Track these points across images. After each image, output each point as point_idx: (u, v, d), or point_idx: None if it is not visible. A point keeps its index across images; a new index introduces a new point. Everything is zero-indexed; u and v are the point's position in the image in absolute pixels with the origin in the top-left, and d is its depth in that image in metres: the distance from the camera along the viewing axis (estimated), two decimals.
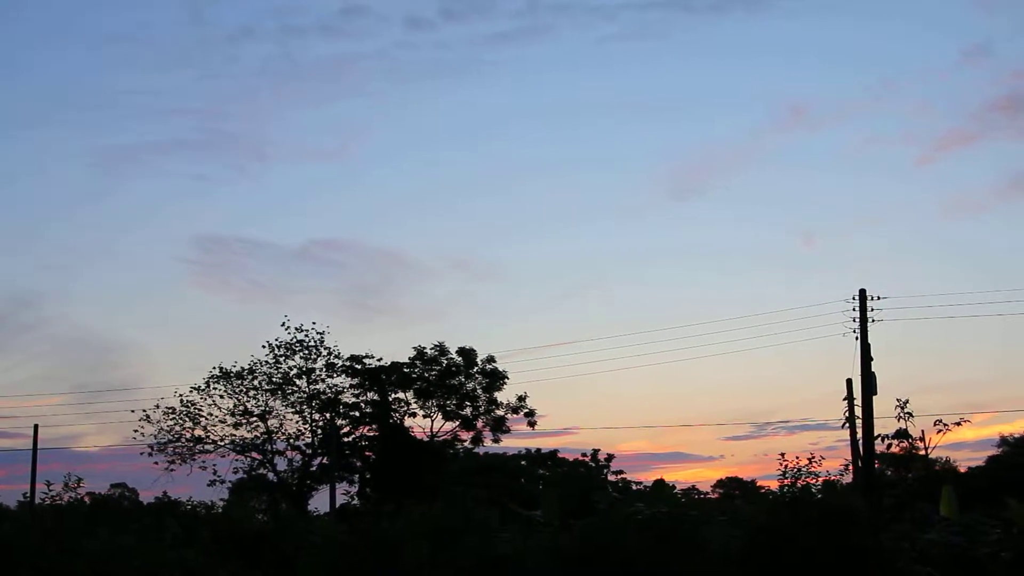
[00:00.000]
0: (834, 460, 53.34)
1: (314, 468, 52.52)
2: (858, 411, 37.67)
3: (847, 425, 37.40)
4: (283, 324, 51.43)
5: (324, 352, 52.04)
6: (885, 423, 36.94)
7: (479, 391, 53.77)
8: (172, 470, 50.23)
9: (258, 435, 51.56)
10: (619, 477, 71.92)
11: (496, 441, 54.55)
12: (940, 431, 28.71)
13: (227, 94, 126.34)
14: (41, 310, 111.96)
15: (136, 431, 50.47)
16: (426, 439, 53.66)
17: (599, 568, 19.92)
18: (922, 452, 30.30)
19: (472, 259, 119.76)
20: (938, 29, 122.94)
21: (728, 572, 19.75)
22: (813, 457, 21.93)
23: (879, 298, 39.64)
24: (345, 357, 52.86)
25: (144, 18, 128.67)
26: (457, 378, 53.62)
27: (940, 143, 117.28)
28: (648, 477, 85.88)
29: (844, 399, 37.98)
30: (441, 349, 53.80)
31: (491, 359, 53.87)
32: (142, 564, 21.84)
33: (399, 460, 50.76)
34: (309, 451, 52.30)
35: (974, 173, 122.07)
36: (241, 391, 51.30)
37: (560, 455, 69.42)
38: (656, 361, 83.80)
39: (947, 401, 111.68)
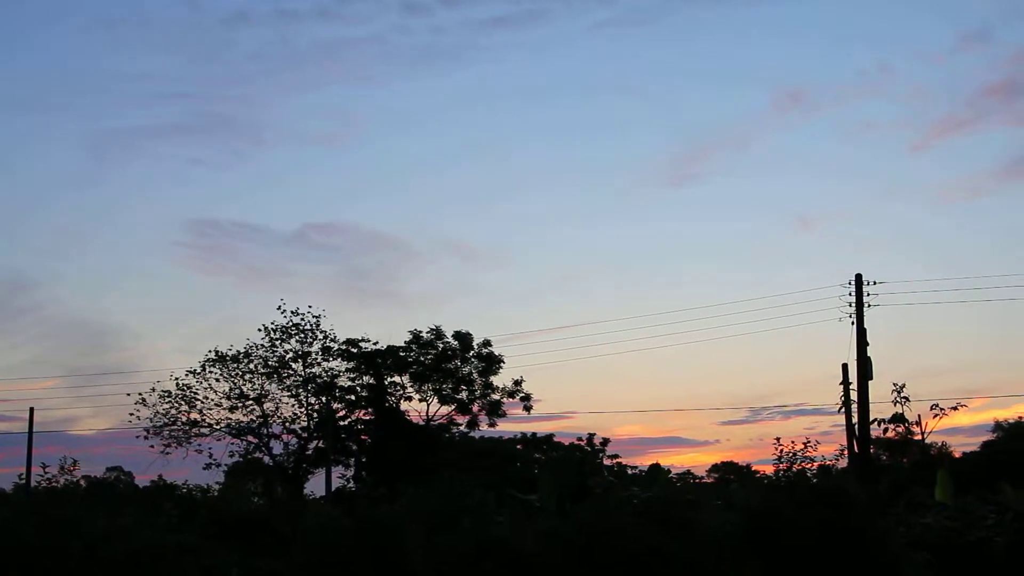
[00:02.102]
0: (830, 445, 53.19)
1: (310, 452, 52.54)
2: (854, 396, 37.71)
3: (843, 410, 37.50)
4: (279, 308, 51.46)
5: (320, 336, 52.04)
6: (881, 408, 36.98)
7: (475, 375, 53.77)
8: (168, 453, 50.29)
9: (254, 419, 51.57)
10: (615, 461, 72.02)
11: (492, 425, 54.60)
12: (936, 416, 28.84)
13: (222, 78, 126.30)
14: (36, 293, 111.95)
15: (132, 414, 50.49)
16: (422, 423, 53.69)
17: (595, 552, 19.95)
18: (918, 437, 30.43)
19: (468, 243, 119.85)
20: (935, 14, 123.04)
21: (723, 556, 19.78)
22: (809, 442, 21.97)
23: (875, 283, 39.67)
24: (341, 341, 52.87)
25: (139, 2, 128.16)
26: (453, 362, 53.60)
27: (937, 128, 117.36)
28: (644, 461, 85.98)
29: (840, 384, 38.08)
30: (437, 333, 53.77)
31: (487, 343, 53.89)
32: (138, 547, 21.85)
33: (395, 444, 50.78)
34: (305, 435, 52.31)
35: (970, 158, 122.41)
36: (237, 375, 51.26)
37: (556, 439, 69.45)
38: (652, 346, 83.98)
39: (942, 386, 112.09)
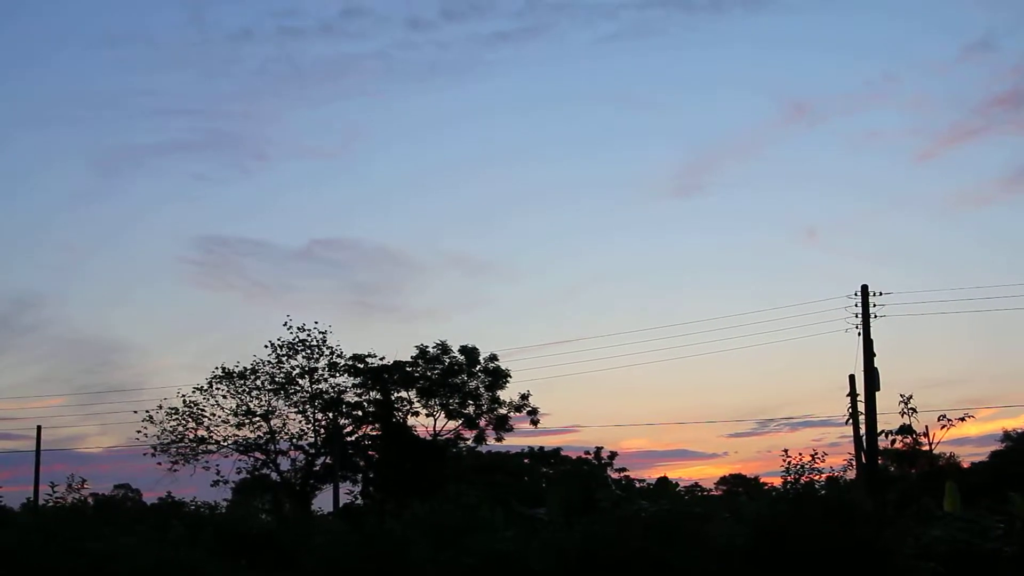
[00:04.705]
0: (838, 456, 53.09)
1: (317, 468, 52.50)
2: (861, 407, 37.64)
3: (850, 421, 37.41)
4: (285, 324, 51.47)
5: (326, 351, 52.04)
6: (888, 419, 36.96)
7: (482, 389, 53.71)
8: (175, 471, 50.22)
9: (261, 435, 51.54)
10: (622, 475, 72.01)
11: (499, 440, 54.50)
12: (944, 427, 28.86)
13: (228, 95, 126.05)
14: (43, 311, 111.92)
15: (139, 432, 50.46)
16: (429, 438, 53.65)
17: (603, 566, 19.92)
18: (926, 448, 30.40)
19: (474, 257, 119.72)
20: (940, 23, 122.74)
21: (732, 568, 19.76)
22: (816, 453, 21.94)
23: (881, 293, 39.51)
24: (347, 356, 52.85)
25: (145, 19, 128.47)
26: (460, 377, 53.54)
27: (943, 137, 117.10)
28: (651, 475, 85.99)
29: (847, 395, 37.99)
30: (443, 348, 53.75)
31: (493, 357, 53.83)
32: (146, 564, 21.86)
33: (402, 459, 50.74)
34: (312, 451, 52.29)
35: (977, 167, 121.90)
36: (244, 391, 51.28)
37: (563, 453, 69.50)
38: (659, 358, 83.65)
39: (950, 396, 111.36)
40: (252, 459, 51.63)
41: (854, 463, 34.57)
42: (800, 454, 22.02)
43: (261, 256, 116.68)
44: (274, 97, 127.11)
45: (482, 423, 53.70)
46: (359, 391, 53.33)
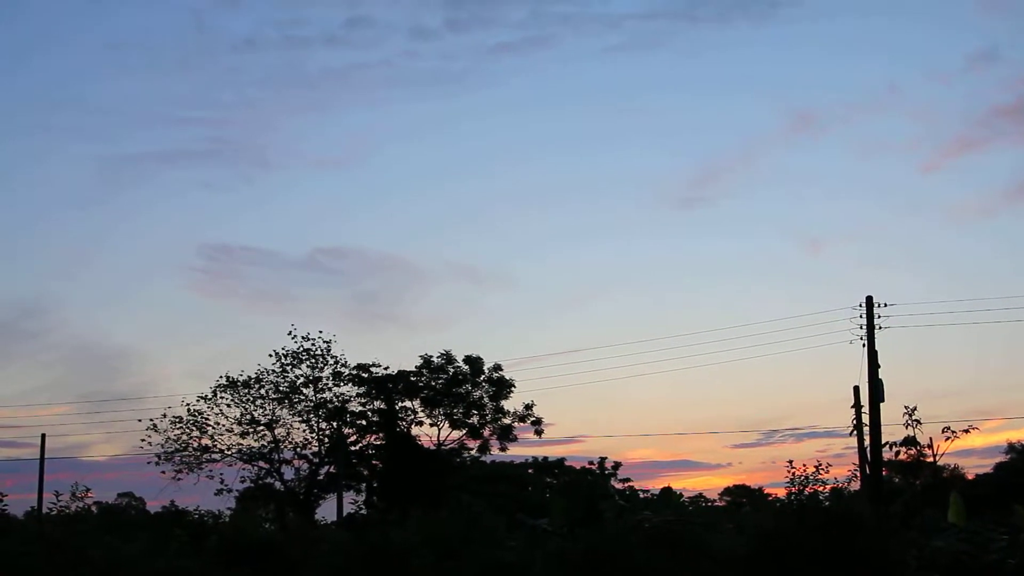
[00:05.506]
0: (842, 467, 52.82)
1: (321, 477, 52.47)
2: (865, 418, 37.62)
3: (855, 432, 37.39)
4: (289, 333, 51.46)
5: (331, 361, 52.00)
6: (893, 430, 36.84)
7: (486, 399, 53.68)
8: (179, 479, 50.20)
9: (265, 444, 51.52)
10: (626, 485, 71.94)
11: (503, 449, 54.47)
12: (948, 438, 28.90)
13: (231, 103, 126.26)
14: (47, 319, 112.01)
15: (143, 440, 50.45)
16: (433, 448, 53.65)
17: None
18: (930, 459, 30.43)
19: (479, 267, 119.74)
20: (944, 34, 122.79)
21: None
22: (821, 464, 21.96)
23: (886, 305, 39.53)
24: (352, 366, 52.82)
25: (149, 27, 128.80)
26: (464, 386, 53.53)
27: (947, 148, 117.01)
28: (655, 485, 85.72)
29: (851, 406, 37.96)
30: (448, 357, 53.74)
31: (498, 367, 53.82)
32: (149, 573, 21.90)
33: (406, 469, 50.72)
34: (316, 460, 52.27)
35: (981, 179, 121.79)
36: (248, 400, 51.25)
37: (567, 463, 69.44)
38: (663, 369, 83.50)
39: (954, 408, 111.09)
40: (256, 468, 51.64)
41: (858, 474, 34.56)
42: (804, 465, 22.07)
43: (264, 264, 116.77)
44: (278, 106, 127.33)
45: (486, 433, 53.66)
46: (363, 400, 53.36)
